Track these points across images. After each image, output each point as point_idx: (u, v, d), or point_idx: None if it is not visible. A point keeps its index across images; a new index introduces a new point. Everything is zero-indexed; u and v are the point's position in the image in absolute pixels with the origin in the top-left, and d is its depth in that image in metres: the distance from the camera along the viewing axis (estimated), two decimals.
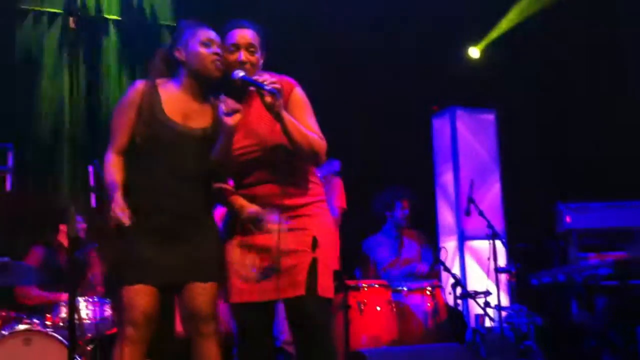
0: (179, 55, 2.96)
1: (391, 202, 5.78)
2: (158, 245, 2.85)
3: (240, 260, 2.96)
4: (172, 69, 3.01)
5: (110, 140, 2.95)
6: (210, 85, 3.00)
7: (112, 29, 6.54)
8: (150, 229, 2.86)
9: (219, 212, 3.18)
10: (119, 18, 6.54)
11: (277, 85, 2.83)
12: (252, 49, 3.00)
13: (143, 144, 2.89)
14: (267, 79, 2.85)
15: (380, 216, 5.87)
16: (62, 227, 5.34)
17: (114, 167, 2.89)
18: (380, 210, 5.85)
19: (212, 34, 2.96)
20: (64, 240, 5.32)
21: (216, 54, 2.93)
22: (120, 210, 2.77)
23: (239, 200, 2.99)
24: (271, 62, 3.15)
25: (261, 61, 3.06)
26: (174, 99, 2.94)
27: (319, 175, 3.30)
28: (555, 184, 7.00)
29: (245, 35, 3.00)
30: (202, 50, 2.92)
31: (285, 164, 2.94)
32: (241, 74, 2.92)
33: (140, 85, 2.96)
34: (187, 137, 2.91)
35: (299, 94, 3.03)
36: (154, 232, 2.86)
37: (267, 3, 6.55)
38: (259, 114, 2.96)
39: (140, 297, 2.80)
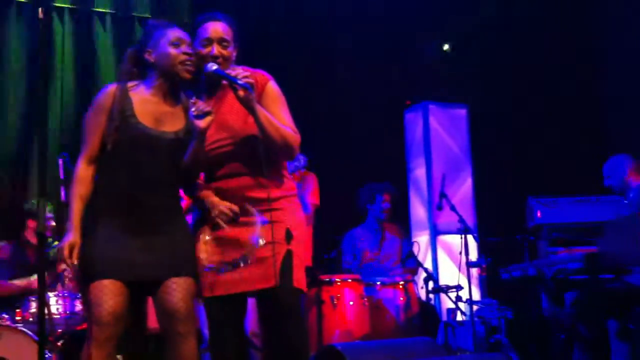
0: (149, 56, 2.92)
1: (372, 196, 5.82)
2: (129, 243, 2.82)
3: (210, 253, 2.94)
4: (143, 71, 2.98)
5: (82, 146, 2.91)
6: (182, 85, 2.97)
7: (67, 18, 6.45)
8: (121, 228, 2.83)
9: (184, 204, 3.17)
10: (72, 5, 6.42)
11: (250, 80, 2.83)
12: (224, 43, 2.98)
13: (115, 148, 2.85)
14: (240, 73, 2.85)
15: (362, 210, 5.90)
16: (30, 223, 5.27)
17: (79, 185, 2.86)
18: (361, 203, 5.89)
19: (181, 34, 2.93)
20: (31, 236, 5.26)
21: (186, 53, 2.90)
22: (68, 248, 2.77)
23: (211, 197, 2.98)
24: (244, 56, 3.13)
25: (234, 54, 3.05)
26: (145, 102, 2.90)
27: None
28: (526, 179, 7.06)
29: (217, 28, 2.99)
30: (172, 50, 2.89)
31: (257, 157, 2.92)
32: (214, 67, 2.91)
33: (110, 88, 2.91)
34: (159, 140, 2.87)
35: (273, 87, 3.04)
36: (125, 231, 2.83)
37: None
38: (232, 107, 2.95)
39: (108, 295, 2.76)
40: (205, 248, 2.95)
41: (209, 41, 2.97)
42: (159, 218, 2.88)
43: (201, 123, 2.83)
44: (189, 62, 2.90)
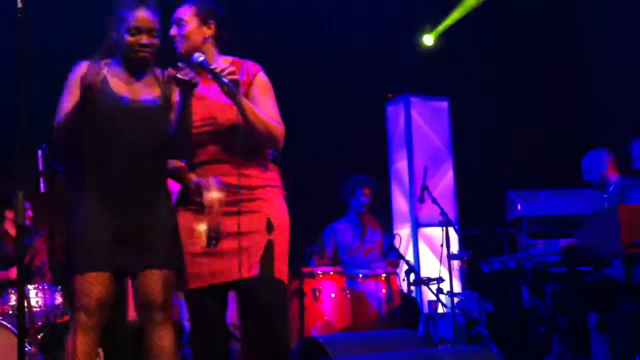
0: (115, 36, 2.88)
1: (352, 189, 5.82)
2: (112, 230, 2.80)
3: (194, 232, 2.94)
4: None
5: (56, 116, 2.87)
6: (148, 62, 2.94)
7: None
8: (105, 209, 2.80)
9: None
10: None
11: (234, 77, 2.84)
12: (181, 23, 3.04)
13: (94, 121, 2.80)
14: (227, 69, 2.84)
15: (343, 202, 5.90)
16: (7, 214, 5.23)
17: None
18: (342, 196, 5.89)
19: (142, 19, 2.84)
20: (9, 227, 5.21)
21: (141, 45, 2.84)
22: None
23: (188, 174, 3.00)
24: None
25: (206, 31, 3.06)
26: (117, 75, 2.88)
27: None
28: (507, 172, 7.10)
29: (178, 11, 3.05)
30: (129, 38, 2.84)
31: (240, 144, 2.93)
32: (200, 58, 2.92)
33: (83, 64, 2.90)
34: (136, 107, 2.85)
35: (262, 78, 3.07)
36: (108, 214, 2.80)
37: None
38: (216, 93, 2.94)
39: (93, 284, 2.76)
40: (186, 229, 2.95)
41: (172, 23, 3.06)
42: (143, 196, 2.85)
43: (184, 92, 2.80)
44: (141, 52, 2.86)
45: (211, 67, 2.88)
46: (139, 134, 2.83)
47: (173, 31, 3.03)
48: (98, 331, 2.79)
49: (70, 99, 2.85)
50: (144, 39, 2.85)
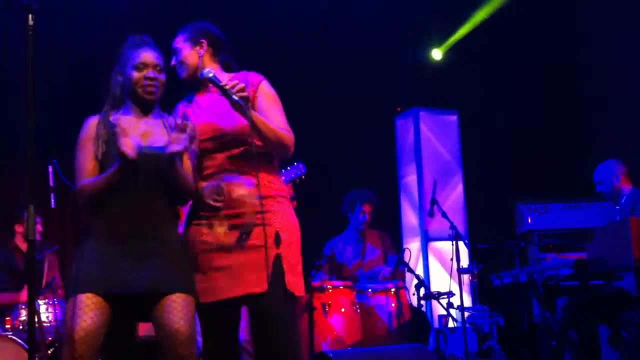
0: (120, 77, 2.95)
1: (352, 205, 5.79)
2: (119, 257, 2.78)
3: (202, 247, 2.95)
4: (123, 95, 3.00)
5: (76, 177, 2.89)
6: (154, 105, 2.98)
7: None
8: (113, 243, 2.80)
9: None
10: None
11: (244, 94, 2.86)
12: (174, 53, 3.16)
13: (106, 167, 2.83)
14: (236, 85, 2.86)
15: (344, 217, 5.88)
16: (17, 228, 5.25)
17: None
18: (343, 209, 5.86)
19: (149, 56, 2.91)
20: (20, 241, 5.23)
21: (147, 78, 2.90)
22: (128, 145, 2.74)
23: (202, 183, 3.01)
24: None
25: (200, 50, 3.14)
26: (125, 123, 2.89)
27: (286, 179, 3.33)
28: (517, 185, 7.08)
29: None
30: (134, 74, 2.90)
31: (248, 156, 2.94)
32: (210, 74, 2.96)
33: (91, 120, 2.93)
34: (147, 154, 2.84)
35: (266, 87, 3.10)
36: (117, 244, 2.80)
37: (232, 3, 6.55)
38: (225, 105, 2.96)
39: (84, 311, 2.71)
40: (200, 234, 2.97)
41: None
42: (151, 230, 2.85)
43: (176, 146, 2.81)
44: (149, 85, 2.91)
45: (221, 83, 2.90)
46: (148, 179, 2.84)
47: (172, 61, 3.14)
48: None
49: (87, 158, 2.88)
50: (150, 73, 2.90)
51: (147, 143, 2.89)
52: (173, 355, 2.76)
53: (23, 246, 5.19)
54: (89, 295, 2.73)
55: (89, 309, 2.71)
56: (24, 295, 4.88)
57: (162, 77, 2.95)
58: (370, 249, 5.80)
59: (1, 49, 6.20)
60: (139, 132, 2.90)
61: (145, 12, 6.73)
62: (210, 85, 3.02)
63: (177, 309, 2.77)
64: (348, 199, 5.84)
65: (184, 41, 3.17)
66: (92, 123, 2.92)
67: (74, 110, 6.08)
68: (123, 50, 2.97)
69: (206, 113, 3.06)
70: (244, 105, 2.84)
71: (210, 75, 2.95)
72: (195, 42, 3.16)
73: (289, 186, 3.61)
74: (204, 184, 2.99)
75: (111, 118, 2.91)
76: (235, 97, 2.84)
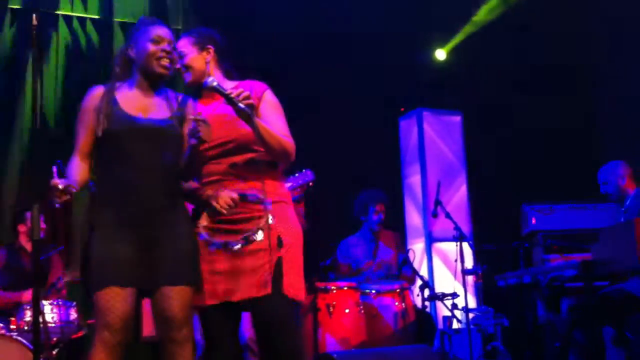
0: (131, 52, 2.98)
1: (365, 208, 5.79)
2: (131, 246, 2.81)
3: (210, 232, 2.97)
4: (129, 70, 3.03)
5: (74, 146, 2.95)
6: (162, 81, 3.02)
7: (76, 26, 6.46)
8: (122, 224, 2.82)
9: None
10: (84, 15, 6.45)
11: (250, 101, 2.89)
12: (182, 55, 3.13)
13: (106, 142, 2.87)
14: (242, 93, 2.88)
15: (357, 219, 5.88)
16: (20, 228, 5.25)
17: (74, 169, 2.88)
18: (356, 214, 5.87)
19: (163, 31, 2.98)
20: (24, 241, 5.23)
21: (164, 50, 2.95)
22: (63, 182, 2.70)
23: (208, 191, 3.00)
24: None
25: (206, 55, 3.15)
26: (129, 97, 2.95)
27: (294, 185, 3.35)
28: (521, 185, 7.07)
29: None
30: (150, 46, 2.94)
31: (252, 162, 2.98)
32: (214, 83, 2.97)
33: (95, 90, 2.97)
34: (147, 126, 2.90)
35: (269, 96, 3.13)
36: (126, 228, 2.82)
37: (237, 4, 6.56)
38: (228, 111, 2.97)
39: (118, 300, 2.76)
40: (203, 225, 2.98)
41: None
42: (159, 209, 2.87)
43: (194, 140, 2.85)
44: (165, 59, 2.96)
45: (226, 92, 2.91)
46: (150, 152, 2.87)
47: (177, 64, 3.12)
48: (121, 349, 2.78)
49: (85, 130, 2.92)
50: (166, 46, 2.95)
51: (148, 116, 2.92)
52: (168, 340, 2.85)
53: (27, 246, 5.20)
54: (116, 289, 2.77)
55: (123, 300, 2.77)
56: (27, 295, 4.89)
57: (175, 54, 3.02)
58: (384, 249, 5.80)
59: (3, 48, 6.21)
60: (140, 105, 2.94)
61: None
62: (213, 93, 3.02)
63: (174, 297, 2.84)
64: (359, 202, 5.83)
65: (190, 45, 3.17)
66: (97, 94, 2.96)
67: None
68: (135, 28, 3.02)
69: (209, 121, 3.06)
70: (249, 113, 2.87)
71: (215, 84, 2.96)
72: (202, 47, 3.17)
73: (297, 190, 3.62)
74: (209, 191, 2.99)
75: (115, 91, 2.95)
76: (241, 105, 2.86)
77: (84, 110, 2.94)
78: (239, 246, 2.93)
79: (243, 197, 2.92)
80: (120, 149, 2.86)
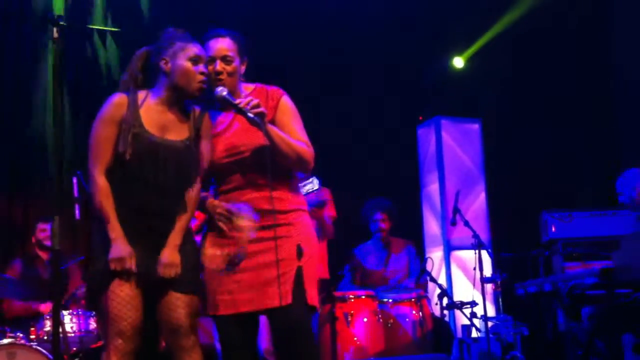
0: (164, 65, 2.90)
1: (367, 216, 5.80)
2: (142, 250, 2.83)
3: (212, 256, 2.96)
4: (149, 76, 2.97)
5: (93, 157, 2.86)
6: (190, 99, 2.98)
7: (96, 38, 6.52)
8: (133, 235, 2.83)
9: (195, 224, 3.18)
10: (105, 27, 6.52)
11: (259, 110, 2.86)
12: (228, 59, 3.01)
13: (122, 157, 2.84)
14: (251, 102, 2.86)
15: (367, 229, 5.88)
16: (33, 239, 5.30)
17: (107, 197, 2.83)
18: (363, 224, 5.87)
19: (200, 50, 2.92)
20: (39, 251, 5.27)
21: (202, 73, 2.90)
22: (129, 257, 2.76)
23: (213, 202, 3.02)
24: (257, 71, 3.16)
25: (242, 68, 3.09)
26: (151, 111, 2.90)
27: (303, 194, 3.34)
28: (540, 193, 7.02)
29: (220, 45, 3.02)
30: (190, 66, 2.88)
31: (268, 169, 2.93)
32: (224, 93, 2.94)
33: (118, 99, 2.89)
34: (165, 148, 2.87)
35: (286, 102, 3.08)
36: (136, 241, 2.83)
37: (253, 14, 6.59)
38: (243, 120, 2.96)
39: (129, 309, 2.78)
40: (209, 251, 2.98)
41: (212, 59, 3.00)
42: (166, 227, 2.88)
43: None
44: (204, 82, 2.91)
45: (235, 102, 2.90)
46: (164, 173, 2.86)
47: (219, 67, 3.00)
48: (133, 357, 2.80)
49: (107, 142, 2.85)
50: (204, 68, 2.91)
51: (167, 136, 2.89)
52: (176, 348, 2.86)
53: (44, 255, 5.23)
54: (128, 293, 2.78)
55: (134, 307, 2.78)
56: (45, 306, 4.92)
57: (209, 74, 2.96)
58: (395, 258, 5.78)
59: (16, 59, 6.27)
60: (161, 122, 2.90)
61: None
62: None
63: (180, 305, 2.85)
64: (363, 211, 5.86)
65: (237, 52, 3.06)
66: (119, 103, 2.87)
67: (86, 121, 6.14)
68: (169, 39, 2.92)
69: (221, 132, 3.06)
70: (260, 122, 2.84)
71: (224, 94, 2.93)
72: (243, 56, 3.09)
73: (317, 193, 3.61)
74: (220, 203, 2.99)
75: (139, 103, 2.88)
76: (250, 115, 2.84)
77: (106, 121, 2.86)
78: (230, 267, 2.93)
79: (239, 210, 2.92)
80: (135, 169, 2.84)
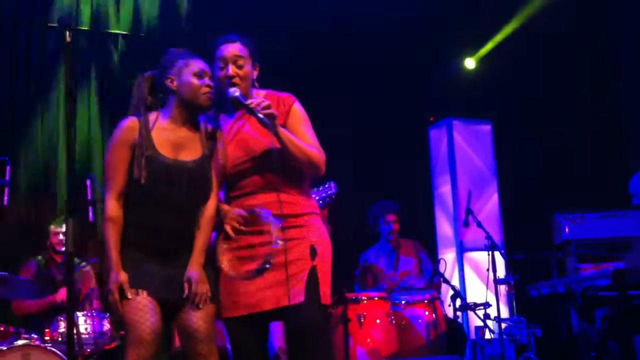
0: (171, 84, 2.95)
1: (375, 220, 5.79)
2: (157, 265, 2.86)
3: (231, 263, 2.96)
4: (157, 97, 3.02)
5: (107, 182, 2.90)
6: (200, 113, 3.01)
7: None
8: (145, 255, 2.87)
9: None
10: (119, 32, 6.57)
11: (269, 111, 2.89)
12: (239, 62, 3.04)
13: (136, 180, 2.87)
14: (262, 103, 2.89)
15: (375, 233, 5.87)
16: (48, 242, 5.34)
17: (113, 225, 2.86)
18: (370, 227, 5.86)
19: (204, 65, 2.98)
20: (52, 253, 5.30)
21: (208, 86, 2.94)
22: (118, 288, 2.78)
23: (222, 206, 3.03)
24: (267, 76, 3.18)
25: (255, 72, 3.12)
26: (163, 131, 2.93)
27: (317, 198, 3.35)
28: (553, 194, 7.01)
29: (232, 49, 3.05)
30: (195, 81, 2.93)
31: (281, 173, 2.97)
32: (236, 93, 2.97)
33: (129, 122, 2.93)
34: (178, 170, 2.90)
35: (298, 108, 3.11)
36: (149, 256, 2.87)
37: (261, 18, 6.62)
38: (255, 124, 2.99)
39: (148, 313, 2.79)
40: (225, 257, 2.97)
41: (225, 62, 3.04)
42: (181, 245, 2.91)
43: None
44: (210, 94, 2.95)
45: (247, 102, 2.92)
46: (178, 192, 2.89)
47: (232, 71, 3.03)
48: None
49: (121, 165, 2.88)
50: (210, 81, 2.95)
51: (180, 157, 2.92)
52: (193, 354, 2.87)
53: (57, 258, 5.26)
54: (148, 298, 2.80)
55: (153, 312, 2.79)
56: (60, 294, 4.94)
57: (215, 86, 2.99)
58: (404, 259, 5.78)
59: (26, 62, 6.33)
60: (174, 142, 2.93)
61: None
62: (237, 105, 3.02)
63: (197, 313, 2.86)
64: (370, 215, 5.85)
65: (248, 56, 3.09)
66: (131, 126, 2.91)
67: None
68: (171, 59, 2.98)
69: (232, 137, 3.07)
70: (269, 123, 2.87)
71: (237, 94, 2.96)
72: (254, 60, 3.12)
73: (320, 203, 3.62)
74: (233, 209, 3.00)
75: (150, 124, 2.92)
76: (260, 115, 2.87)
77: (119, 145, 2.90)
78: (256, 273, 2.92)
79: (253, 213, 2.93)
80: (149, 191, 2.87)
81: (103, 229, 2.87)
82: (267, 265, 2.90)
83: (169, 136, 2.93)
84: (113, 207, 2.87)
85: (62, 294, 4.93)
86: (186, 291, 2.85)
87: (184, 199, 2.90)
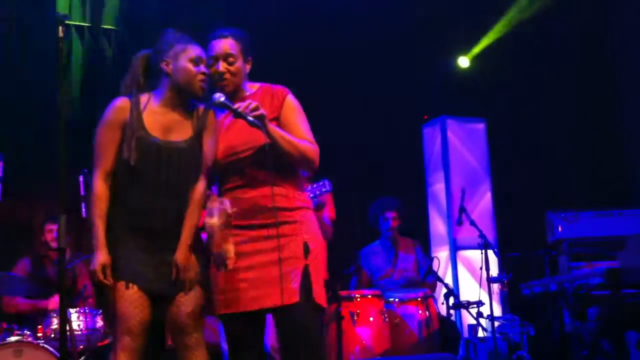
0: (166, 67, 2.94)
1: (375, 217, 5.79)
2: (145, 257, 2.85)
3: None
4: (151, 78, 3.00)
5: (96, 161, 2.90)
6: (192, 99, 3.00)
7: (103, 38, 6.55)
8: (137, 242, 2.85)
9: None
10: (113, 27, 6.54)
11: (258, 112, 2.86)
12: (230, 59, 3.03)
13: (126, 160, 2.86)
14: (249, 105, 2.86)
15: (375, 230, 5.87)
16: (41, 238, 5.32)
17: (99, 202, 2.85)
18: (370, 224, 5.87)
19: (201, 52, 2.96)
20: (47, 250, 5.29)
21: (203, 73, 2.94)
22: (101, 270, 2.78)
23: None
24: (262, 71, 3.16)
25: (247, 67, 3.09)
26: (154, 113, 2.92)
27: (311, 195, 3.32)
28: (546, 192, 7.02)
29: (222, 45, 3.03)
30: (191, 67, 2.92)
31: (274, 166, 2.93)
32: (222, 99, 2.93)
33: (121, 103, 2.92)
34: (168, 150, 2.89)
35: (291, 101, 3.09)
36: (140, 245, 2.86)
37: (256, 14, 6.60)
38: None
39: (137, 307, 2.79)
40: (232, 247, 2.94)
41: (215, 59, 3.02)
42: (170, 227, 2.89)
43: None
44: (205, 82, 2.95)
45: (234, 107, 2.90)
46: (167, 174, 2.88)
47: (222, 67, 3.02)
48: (141, 354, 2.81)
49: (110, 145, 2.88)
50: (205, 69, 2.95)
51: (170, 138, 2.91)
52: (180, 346, 2.88)
53: (52, 255, 5.25)
54: (136, 291, 2.80)
55: (141, 305, 2.80)
56: (53, 302, 4.93)
57: (209, 74, 2.99)
58: (403, 257, 5.78)
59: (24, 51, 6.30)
60: (164, 124, 2.92)
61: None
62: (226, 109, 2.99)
63: (185, 304, 2.87)
64: (371, 212, 5.85)
65: (239, 52, 3.07)
66: (122, 107, 2.90)
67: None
68: (168, 42, 2.95)
69: (223, 131, 3.06)
70: (260, 125, 2.85)
71: (222, 99, 2.92)
72: (246, 57, 3.09)
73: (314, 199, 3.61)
74: (226, 199, 2.98)
75: (142, 105, 2.91)
76: (250, 118, 2.84)
77: (109, 125, 2.89)
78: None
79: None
80: (139, 172, 2.86)
81: (89, 208, 2.86)
82: (223, 268, 2.89)
83: (160, 118, 2.92)
84: (100, 186, 2.87)
85: (55, 302, 4.92)
86: (174, 274, 2.84)
87: (174, 179, 2.89)
